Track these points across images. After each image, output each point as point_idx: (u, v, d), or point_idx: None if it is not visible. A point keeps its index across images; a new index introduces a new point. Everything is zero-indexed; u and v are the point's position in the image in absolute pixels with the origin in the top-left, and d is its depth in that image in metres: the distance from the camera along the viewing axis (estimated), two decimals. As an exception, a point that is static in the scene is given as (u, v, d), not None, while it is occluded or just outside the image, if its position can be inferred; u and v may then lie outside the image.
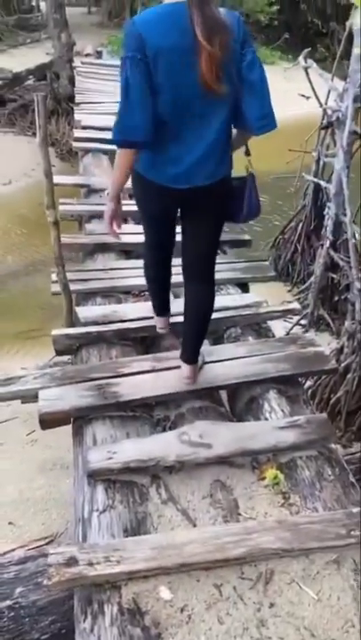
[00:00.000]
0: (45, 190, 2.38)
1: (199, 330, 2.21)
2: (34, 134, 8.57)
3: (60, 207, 3.62)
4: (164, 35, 1.67)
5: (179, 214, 2.04)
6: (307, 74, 4.35)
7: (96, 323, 2.61)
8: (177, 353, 2.30)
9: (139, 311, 2.70)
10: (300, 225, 5.12)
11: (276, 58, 11.85)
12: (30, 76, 8.71)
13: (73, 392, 2.17)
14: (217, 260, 2.16)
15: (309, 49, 4.67)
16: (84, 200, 4.16)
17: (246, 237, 3.70)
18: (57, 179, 4.12)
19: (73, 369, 2.39)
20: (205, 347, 2.38)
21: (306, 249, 5.11)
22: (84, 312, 2.72)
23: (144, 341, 2.67)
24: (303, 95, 7.19)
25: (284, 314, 2.98)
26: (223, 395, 2.44)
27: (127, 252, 3.40)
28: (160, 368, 2.32)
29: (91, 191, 4.29)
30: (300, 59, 4.40)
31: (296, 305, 3.23)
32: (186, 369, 2.22)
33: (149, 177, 1.88)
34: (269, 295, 3.16)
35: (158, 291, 2.47)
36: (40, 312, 4.49)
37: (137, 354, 2.52)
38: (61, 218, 3.66)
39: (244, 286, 3.21)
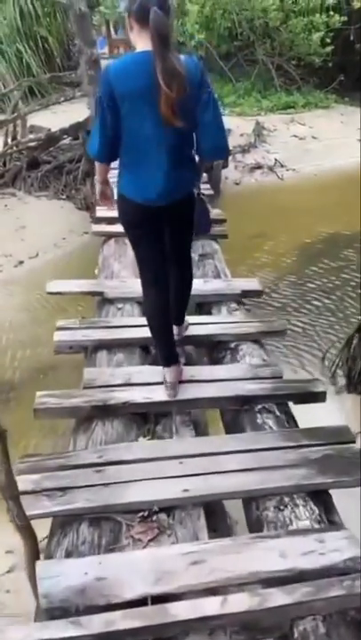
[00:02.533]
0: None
1: (183, 297, 2.77)
2: (68, 198, 7.70)
3: (56, 337, 2.58)
4: (129, 79, 2.11)
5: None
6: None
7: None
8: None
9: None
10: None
11: (331, 101, 10.82)
12: (65, 136, 7.94)
13: None
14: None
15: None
16: (91, 322, 3.05)
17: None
18: (61, 285, 3.14)
19: None
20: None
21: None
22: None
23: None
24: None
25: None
26: None
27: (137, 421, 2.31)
28: None
29: (105, 302, 3.20)
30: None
31: None
32: (175, 329, 2.71)
33: (129, 195, 2.28)
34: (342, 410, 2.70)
35: (166, 337, 2.56)
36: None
37: None
38: (57, 351, 2.61)
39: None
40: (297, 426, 2.40)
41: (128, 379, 2.51)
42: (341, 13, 10.33)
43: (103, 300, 3.32)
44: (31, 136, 8.40)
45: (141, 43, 2.11)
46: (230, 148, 9.11)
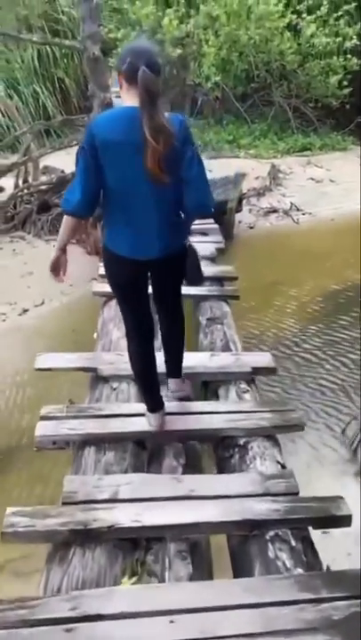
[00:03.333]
0: None
1: (178, 347, 2.72)
2: (77, 242, 7.42)
3: (38, 430, 2.21)
4: (113, 132, 2.07)
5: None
6: None
7: None
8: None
9: None
10: None
11: (348, 143, 10.52)
12: (76, 179, 7.68)
13: None
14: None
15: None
16: (79, 409, 2.68)
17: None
18: (52, 359, 2.78)
19: None
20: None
21: None
22: None
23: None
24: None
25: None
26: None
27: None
28: None
29: (99, 380, 2.84)
30: None
31: None
32: (172, 382, 2.75)
33: (113, 249, 2.23)
34: None
35: (150, 383, 2.53)
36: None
37: None
38: (38, 447, 2.23)
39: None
40: (317, 558, 1.96)
41: (115, 492, 2.09)
42: (360, 56, 10.12)
43: (97, 378, 2.94)
44: (43, 178, 8.21)
45: (129, 99, 2.10)
46: (244, 191, 8.98)
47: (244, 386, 2.93)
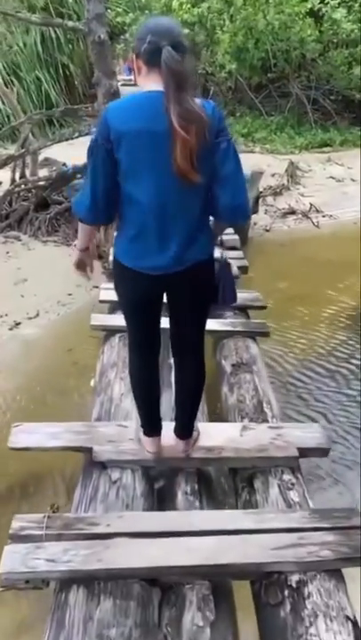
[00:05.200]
0: None
1: (192, 404, 2.17)
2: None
3: (4, 564, 1.42)
4: (132, 121, 1.66)
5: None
6: None
7: None
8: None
9: None
10: None
11: (369, 138, 9.52)
12: (78, 175, 6.80)
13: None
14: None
15: None
16: (65, 522, 1.86)
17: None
18: (30, 435, 1.99)
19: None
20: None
21: None
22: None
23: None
24: None
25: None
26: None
27: None
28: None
29: (94, 466, 2.05)
30: None
31: None
32: (180, 443, 2.18)
33: (124, 262, 1.82)
34: None
35: (147, 403, 2.15)
36: None
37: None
38: (5, 586, 1.44)
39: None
40: None
41: None
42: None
43: (91, 462, 2.12)
44: (42, 174, 7.33)
45: (149, 85, 1.70)
46: (260, 190, 8.11)
47: (289, 478, 2.11)
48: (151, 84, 1.68)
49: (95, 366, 3.06)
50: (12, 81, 9.77)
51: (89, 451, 2.15)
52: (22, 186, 6.97)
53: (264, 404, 2.56)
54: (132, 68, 1.85)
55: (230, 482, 2.29)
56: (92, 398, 2.71)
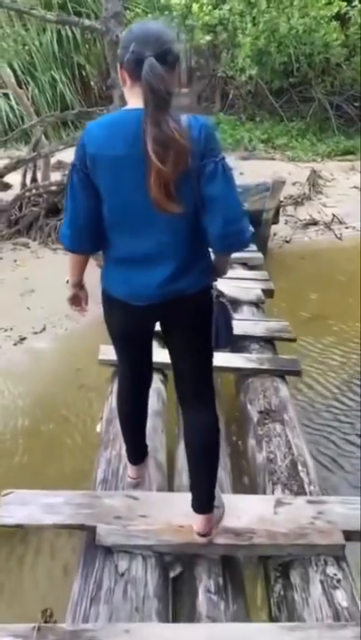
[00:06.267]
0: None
1: (207, 472, 1.79)
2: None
3: None
4: (108, 143, 1.47)
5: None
6: None
7: None
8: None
9: None
10: None
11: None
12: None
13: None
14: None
15: None
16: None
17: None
18: (20, 506, 1.56)
19: None
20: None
21: None
22: None
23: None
24: None
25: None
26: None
27: None
28: None
29: (97, 550, 1.65)
30: None
31: None
32: (199, 521, 1.76)
33: (111, 292, 1.67)
34: None
35: (132, 431, 2.01)
36: None
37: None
38: None
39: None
40: None
41: None
42: None
43: (94, 545, 1.72)
44: (54, 178, 6.95)
45: (133, 100, 1.49)
46: (281, 199, 7.68)
47: (333, 572, 1.69)
48: (134, 99, 1.48)
49: (102, 394, 2.68)
50: (26, 81, 9.42)
51: (92, 530, 1.75)
52: (33, 190, 6.61)
53: (299, 466, 2.15)
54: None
55: (260, 567, 1.88)
56: (96, 454, 2.30)
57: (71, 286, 1.81)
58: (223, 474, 2.18)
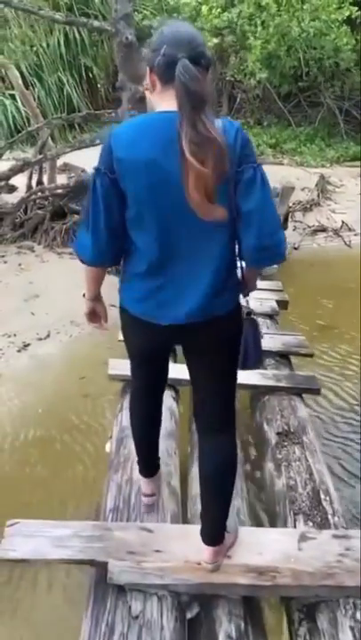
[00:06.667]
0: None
1: (220, 495, 1.67)
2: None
3: None
4: (137, 147, 1.37)
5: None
6: None
7: None
8: None
9: None
10: None
11: None
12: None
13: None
14: None
15: None
16: None
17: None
18: (25, 537, 1.43)
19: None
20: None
21: None
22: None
23: None
24: None
25: None
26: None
27: None
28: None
29: (107, 589, 1.57)
30: None
31: None
32: (208, 551, 1.67)
33: (131, 310, 1.57)
34: None
35: (147, 447, 1.95)
36: None
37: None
38: None
39: None
40: None
41: None
42: None
43: (104, 583, 1.58)
44: (60, 181, 6.83)
45: (165, 104, 1.39)
46: (290, 205, 7.55)
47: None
48: (166, 103, 1.39)
49: (107, 404, 2.54)
50: (33, 82, 9.31)
51: (102, 566, 1.61)
52: (39, 193, 6.49)
53: (321, 495, 2.01)
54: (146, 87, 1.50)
55: (282, 606, 1.74)
56: (105, 477, 2.16)
57: (88, 300, 1.71)
58: (240, 501, 2.05)
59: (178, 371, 2.40)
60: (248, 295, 1.63)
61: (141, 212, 1.42)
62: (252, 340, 1.61)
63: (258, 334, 1.65)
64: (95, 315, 1.76)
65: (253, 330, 1.63)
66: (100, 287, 1.69)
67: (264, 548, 1.69)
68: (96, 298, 1.71)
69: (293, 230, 7.17)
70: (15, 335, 4.72)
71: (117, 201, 1.42)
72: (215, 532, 1.68)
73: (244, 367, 1.64)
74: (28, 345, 4.63)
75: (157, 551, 1.66)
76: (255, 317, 1.62)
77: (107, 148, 1.42)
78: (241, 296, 1.60)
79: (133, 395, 1.91)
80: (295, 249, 6.91)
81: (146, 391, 1.84)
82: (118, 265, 1.58)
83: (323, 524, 1.89)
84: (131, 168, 1.38)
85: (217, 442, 1.65)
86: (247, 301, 1.64)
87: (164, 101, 1.41)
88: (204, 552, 1.67)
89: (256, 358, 1.65)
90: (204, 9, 8.69)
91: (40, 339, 4.71)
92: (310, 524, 1.89)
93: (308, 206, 7.51)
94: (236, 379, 1.66)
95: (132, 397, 1.92)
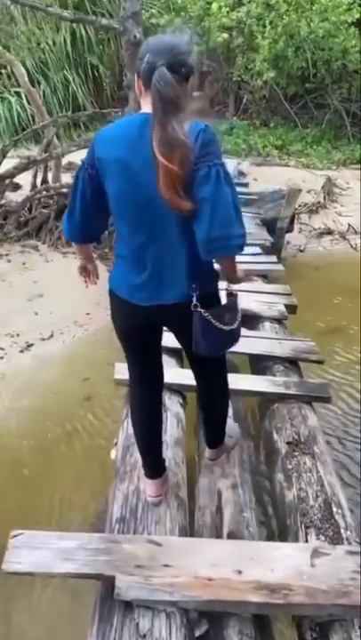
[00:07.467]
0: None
1: (215, 413, 2.10)
2: (100, 257, 5.98)
3: None
4: (112, 146, 1.55)
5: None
6: None
7: None
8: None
9: None
10: None
11: None
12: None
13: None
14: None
15: None
16: None
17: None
18: (30, 549, 1.37)
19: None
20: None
21: None
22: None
23: None
24: None
25: None
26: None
27: None
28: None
29: (113, 606, 1.46)
30: None
31: None
32: (208, 451, 2.19)
33: (117, 292, 1.73)
34: None
35: (147, 442, 1.98)
36: None
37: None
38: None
39: None
40: None
41: None
42: None
43: (110, 599, 1.53)
44: (65, 179, 6.77)
45: (145, 107, 1.56)
46: (296, 207, 7.48)
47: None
48: (147, 106, 1.54)
49: (110, 407, 2.48)
50: (39, 80, 9.25)
51: (109, 580, 1.56)
52: (43, 192, 6.44)
53: (333, 508, 1.95)
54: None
55: (295, 626, 1.68)
56: (111, 486, 2.10)
57: (79, 258, 2.01)
58: (249, 512, 1.99)
59: (184, 376, 2.35)
60: (233, 284, 1.76)
61: (119, 206, 1.60)
62: (200, 331, 1.67)
63: (207, 327, 1.67)
64: (85, 270, 2.01)
65: (201, 322, 1.66)
66: (89, 257, 1.98)
67: (276, 564, 1.64)
68: (86, 259, 1.99)
69: (299, 232, 7.12)
70: (18, 335, 4.68)
71: (92, 192, 1.62)
72: (214, 437, 2.15)
73: (197, 352, 1.74)
74: (32, 345, 4.59)
75: (166, 565, 1.61)
76: (203, 311, 1.64)
77: (91, 147, 1.60)
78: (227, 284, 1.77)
79: (132, 388, 1.99)
80: (301, 251, 6.86)
81: (140, 380, 1.92)
82: (93, 242, 1.83)
83: (335, 538, 1.83)
84: (107, 166, 1.55)
85: (210, 377, 1.97)
86: (234, 292, 1.77)
87: (146, 104, 1.54)
88: (206, 451, 2.18)
89: (207, 347, 1.71)
90: (215, 6, 8.63)
91: (43, 339, 4.67)
92: (322, 537, 1.83)
93: (315, 209, 7.46)
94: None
95: (131, 391, 2.00)
